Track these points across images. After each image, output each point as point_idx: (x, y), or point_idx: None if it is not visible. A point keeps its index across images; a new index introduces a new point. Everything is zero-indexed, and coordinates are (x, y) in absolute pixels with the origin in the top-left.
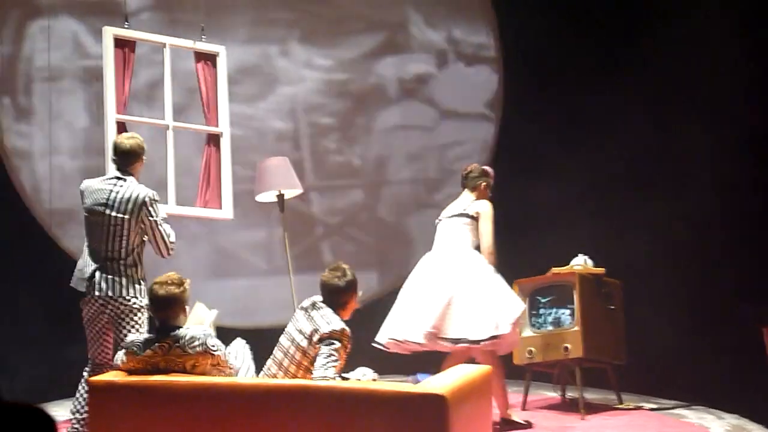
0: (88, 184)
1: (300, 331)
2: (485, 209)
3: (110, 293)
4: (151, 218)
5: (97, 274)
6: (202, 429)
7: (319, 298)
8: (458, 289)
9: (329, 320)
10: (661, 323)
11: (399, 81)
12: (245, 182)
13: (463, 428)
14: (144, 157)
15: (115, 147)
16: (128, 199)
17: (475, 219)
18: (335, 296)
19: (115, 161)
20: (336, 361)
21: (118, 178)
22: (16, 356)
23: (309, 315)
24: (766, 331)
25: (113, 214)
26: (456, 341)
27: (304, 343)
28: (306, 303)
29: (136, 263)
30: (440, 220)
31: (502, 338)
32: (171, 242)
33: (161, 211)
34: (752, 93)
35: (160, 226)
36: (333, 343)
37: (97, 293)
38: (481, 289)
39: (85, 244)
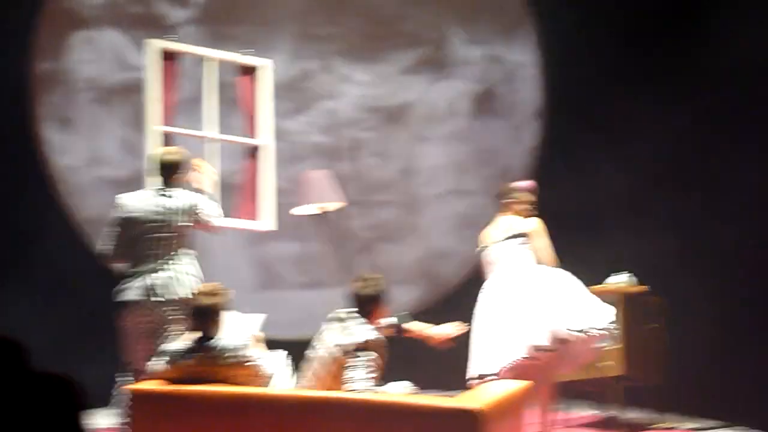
0: (132, 195)
1: (327, 346)
2: (536, 226)
3: (167, 296)
4: (199, 215)
5: (155, 279)
6: None
7: (345, 310)
8: (555, 287)
9: (364, 330)
10: (703, 341)
11: (439, 97)
12: (286, 195)
13: None
14: (185, 172)
15: (159, 161)
16: (181, 209)
17: (528, 238)
18: (366, 305)
19: (160, 173)
20: (373, 371)
21: (163, 191)
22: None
23: (343, 326)
24: None
25: (169, 224)
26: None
27: (340, 354)
28: (338, 314)
29: (197, 270)
30: (485, 246)
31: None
32: (214, 215)
33: (210, 205)
34: None
35: (205, 217)
36: (369, 354)
37: (153, 299)
38: (575, 287)
39: (128, 254)
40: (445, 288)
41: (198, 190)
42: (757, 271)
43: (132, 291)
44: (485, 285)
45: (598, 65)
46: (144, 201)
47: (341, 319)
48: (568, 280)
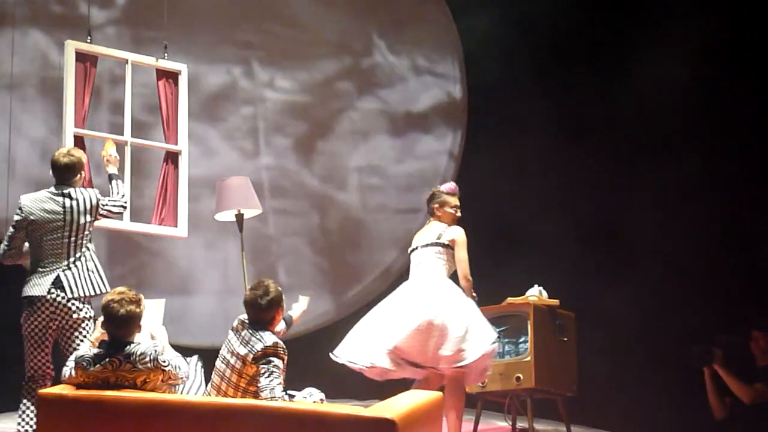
0: (33, 197)
1: (233, 353)
2: (458, 236)
3: (78, 293)
4: (104, 209)
5: (61, 278)
6: None
7: (250, 316)
8: (432, 314)
9: (261, 338)
10: (612, 358)
11: (362, 105)
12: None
13: None
14: (82, 172)
15: (53, 163)
16: (85, 207)
17: (449, 247)
18: (260, 314)
19: (54, 175)
20: (279, 377)
21: (63, 191)
22: None
23: (240, 335)
24: (707, 371)
25: (74, 219)
26: (423, 366)
27: (239, 364)
28: (236, 323)
29: (96, 267)
30: (415, 248)
31: (470, 366)
32: (124, 203)
33: (108, 200)
34: None
35: (113, 207)
36: (270, 360)
37: (60, 297)
38: (455, 316)
39: (31, 254)
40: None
41: (112, 176)
42: (664, 286)
43: (38, 288)
44: (400, 286)
45: (516, 69)
46: (45, 202)
47: (238, 329)
48: (458, 307)
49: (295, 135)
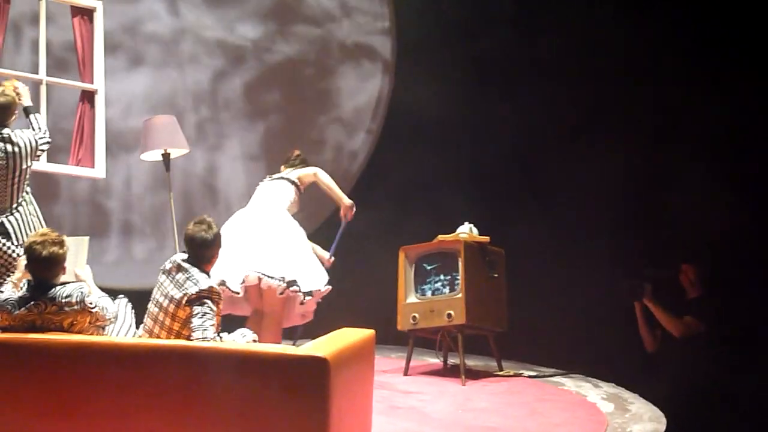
0: None
1: (166, 296)
2: (314, 169)
3: (22, 239)
4: (41, 149)
5: (9, 222)
6: (79, 388)
7: (181, 257)
8: (280, 234)
9: (196, 280)
10: (542, 293)
11: (292, 46)
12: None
13: (344, 391)
14: (16, 112)
15: None
16: (26, 151)
17: (297, 186)
18: (203, 250)
19: None
20: (211, 319)
21: (2, 136)
22: None
23: (174, 278)
24: (637, 305)
25: (16, 165)
26: (282, 281)
27: (172, 307)
28: (168, 265)
29: (36, 211)
30: (261, 182)
31: (312, 299)
32: (48, 139)
33: (35, 135)
34: None
35: (42, 144)
36: (204, 302)
37: (3, 246)
38: (301, 243)
39: None
40: None
41: (28, 109)
42: (593, 220)
43: None
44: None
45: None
46: None
47: (171, 271)
48: (301, 236)
49: (211, 72)
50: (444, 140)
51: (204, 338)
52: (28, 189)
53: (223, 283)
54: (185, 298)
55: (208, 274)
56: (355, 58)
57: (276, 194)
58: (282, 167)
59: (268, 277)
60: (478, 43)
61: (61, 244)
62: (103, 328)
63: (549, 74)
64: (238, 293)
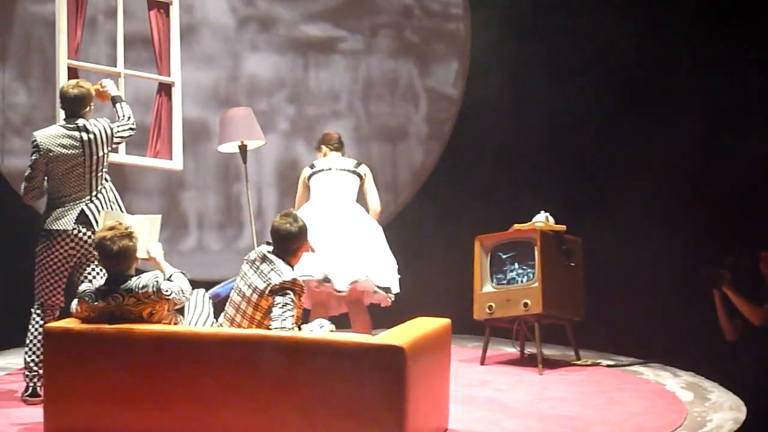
0: (47, 132)
1: (249, 286)
2: (369, 171)
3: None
4: (117, 136)
5: (84, 211)
6: (159, 377)
7: (266, 248)
8: (380, 240)
9: (280, 272)
10: (620, 281)
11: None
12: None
13: (420, 380)
14: (92, 104)
15: (63, 95)
16: (102, 139)
17: (361, 179)
18: (288, 242)
19: (64, 108)
20: (292, 310)
21: (78, 124)
22: None
23: (258, 268)
24: (716, 294)
25: (92, 152)
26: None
27: (255, 297)
28: (253, 255)
29: (116, 199)
30: (325, 170)
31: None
32: (132, 125)
33: (117, 125)
34: None
35: (123, 131)
36: (287, 293)
37: (83, 230)
38: (382, 244)
39: (50, 188)
40: None
41: (115, 98)
42: (671, 208)
43: (61, 222)
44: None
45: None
46: (61, 137)
47: (256, 261)
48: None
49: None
50: (518, 126)
51: (282, 328)
52: (107, 177)
53: (327, 280)
54: (268, 288)
55: (292, 266)
56: (428, 43)
57: (352, 189)
58: (324, 149)
59: (379, 287)
60: (547, 18)
61: (130, 236)
62: (182, 311)
63: (623, 54)
64: (341, 291)
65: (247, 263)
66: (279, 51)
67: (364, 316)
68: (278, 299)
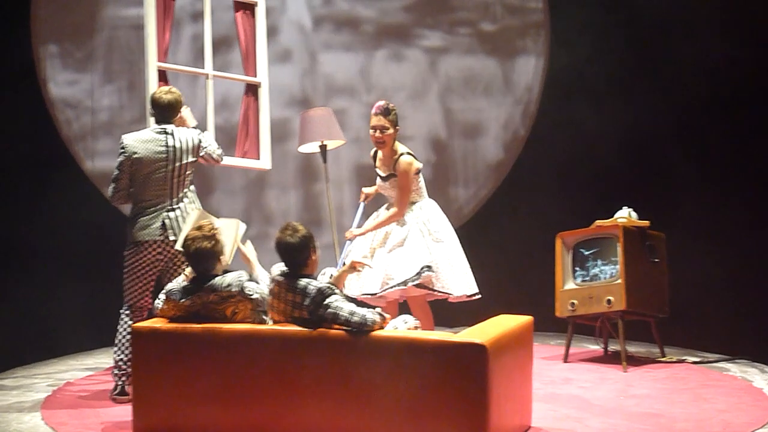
0: (137, 136)
1: (292, 302)
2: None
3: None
4: (206, 150)
5: (170, 218)
6: (245, 375)
7: (277, 278)
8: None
9: (307, 294)
10: (704, 277)
11: (439, 31)
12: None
13: (503, 377)
14: (181, 111)
15: (154, 101)
16: (187, 147)
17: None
18: (295, 255)
19: (154, 115)
20: (345, 302)
21: (165, 130)
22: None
23: (289, 285)
24: None
25: (176, 162)
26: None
27: (308, 316)
28: (276, 272)
29: (195, 203)
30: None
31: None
32: (219, 153)
33: (205, 136)
34: None
35: (212, 152)
36: (328, 305)
37: (171, 237)
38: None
39: (134, 193)
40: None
41: (196, 129)
42: (758, 202)
43: (146, 232)
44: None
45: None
46: (149, 141)
47: (288, 287)
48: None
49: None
50: (599, 120)
51: (363, 318)
52: (192, 187)
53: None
54: (313, 303)
55: (311, 275)
56: (507, 38)
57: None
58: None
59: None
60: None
61: (215, 237)
62: (266, 312)
63: (710, 43)
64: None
65: (274, 282)
66: (356, 49)
67: (421, 311)
68: (329, 313)
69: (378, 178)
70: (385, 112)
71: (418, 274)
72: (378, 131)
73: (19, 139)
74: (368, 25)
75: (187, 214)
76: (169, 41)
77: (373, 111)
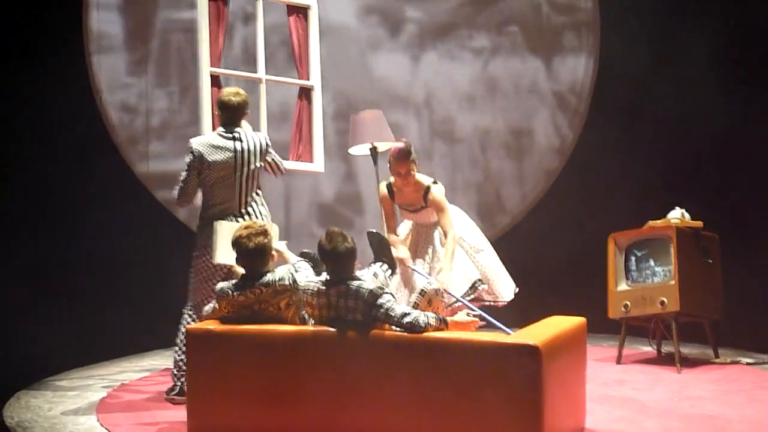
0: (204, 140)
1: (346, 308)
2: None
3: None
4: (271, 155)
5: (238, 221)
6: (297, 377)
7: (319, 285)
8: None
9: (360, 297)
10: (759, 277)
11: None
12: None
13: (556, 379)
14: (247, 112)
15: (223, 104)
16: (255, 150)
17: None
18: (345, 263)
19: (221, 117)
20: (395, 303)
21: (234, 133)
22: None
23: (339, 292)
24: None
25: (245, 165)
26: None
27: (361, 318)
28: (315, 280)
29: (267, 211)
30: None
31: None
32: (284, 167)
33: (274, 153)
34: None
35: (279, 161)
36: (381, 306)
37: None
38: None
39: (203, 197)
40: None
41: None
42: None
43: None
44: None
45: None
46: (217, 144)
47: (339, 294)
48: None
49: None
50: (649, 120)
51: (416, 319)
52: (259, 191)
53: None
54: (368, 308)
55: (357, 277)
56: (556, 38)
57: None
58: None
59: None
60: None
61: (265, 233)
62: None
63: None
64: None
65: (321, 292)
66: (405, 51)
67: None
68: (381, 313)
69: (401, 210)
70: (407, 154)
71: (473, 287)
72: (404, 175)
73: (73, 144)
74: (414, 26)
75: (256, 219)
76: (223, 46)
77: (395, 155)
